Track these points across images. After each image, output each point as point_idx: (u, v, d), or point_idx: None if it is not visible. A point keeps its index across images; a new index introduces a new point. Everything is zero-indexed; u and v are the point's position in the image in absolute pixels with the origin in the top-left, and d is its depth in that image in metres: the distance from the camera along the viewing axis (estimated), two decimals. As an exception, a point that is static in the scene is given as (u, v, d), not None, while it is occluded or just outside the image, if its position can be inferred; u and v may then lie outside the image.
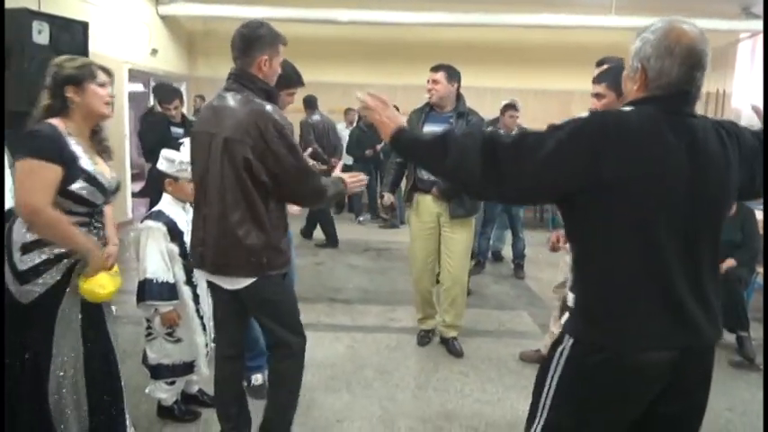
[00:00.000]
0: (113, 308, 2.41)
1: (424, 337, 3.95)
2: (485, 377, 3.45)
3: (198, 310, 2.72)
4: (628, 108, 1.46)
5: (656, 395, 1.47)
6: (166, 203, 2.64)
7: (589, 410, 1.49)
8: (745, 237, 4.07)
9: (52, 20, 4.28)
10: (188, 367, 2.75)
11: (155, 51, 8.09)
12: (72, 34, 4.43)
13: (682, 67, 1.41)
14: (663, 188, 1.39)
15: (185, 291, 2.66)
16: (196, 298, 2.71)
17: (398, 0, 8.63)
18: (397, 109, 1.78)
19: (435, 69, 3.78)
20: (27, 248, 2.06)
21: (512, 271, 5.85)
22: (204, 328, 2.75)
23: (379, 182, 9.05)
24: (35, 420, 2.10)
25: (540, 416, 1.53)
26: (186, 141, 2.59)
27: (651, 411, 1.50)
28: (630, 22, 8.32)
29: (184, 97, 7.31)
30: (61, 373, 2.11)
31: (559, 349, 1.51)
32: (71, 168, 2.03)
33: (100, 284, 2.13)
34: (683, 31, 1.42)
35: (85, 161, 2.09)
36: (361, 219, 8.56)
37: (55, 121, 2.06)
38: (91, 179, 2.08)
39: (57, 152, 2.00)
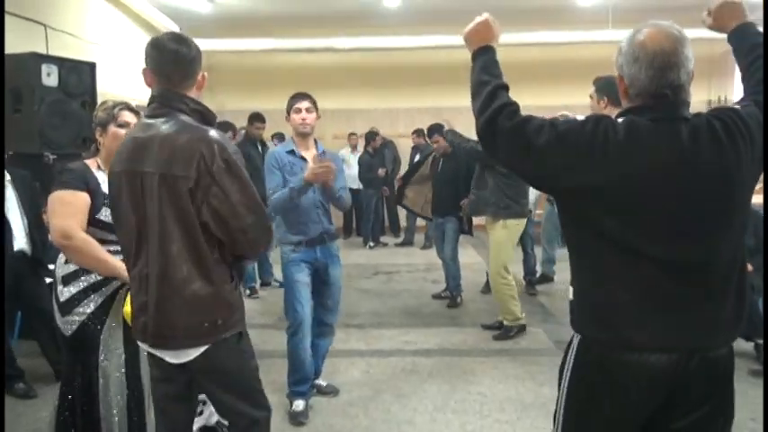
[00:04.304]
0: None
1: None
2: (503, 397, 3.42)
3: None
4: (620, 119, 1.48)
5: (663, 404, 1.45)
6: None
7: (592, 410, 1.50)
8: (758, 242, 4.04)
9: (61, 62, 4.37)
10: None
11: (160, 87, 8.22)
12: (80, 75, 4.51)
13: (649, 71, 1.42)
14: (641, 195, 1.39)
15: None
16: None
17: (395, 25, 8.77)
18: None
19: None
20: (66, 280, 2.21)
21: (523, 288, 5.83)
22: None
23: (384, 206, 9.11)
24: None
25: (558, 413, 1.56)
26: None
27: (663, 426, 1.48)
28: (619, 36, 8.42)
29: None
30: (112, 410, 2.22)
31: (570, 348, 1.53)
32: (97, 196, 2.18)
33: None
34: (649, 34, 1.44)
35: None
36: (371, 244, 8.58)
37: (88, 160, 2.30)
38: None
39: (82, 182, 2.18)
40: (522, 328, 4.53)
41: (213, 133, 1.76)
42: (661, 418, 1.48)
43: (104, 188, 2.16)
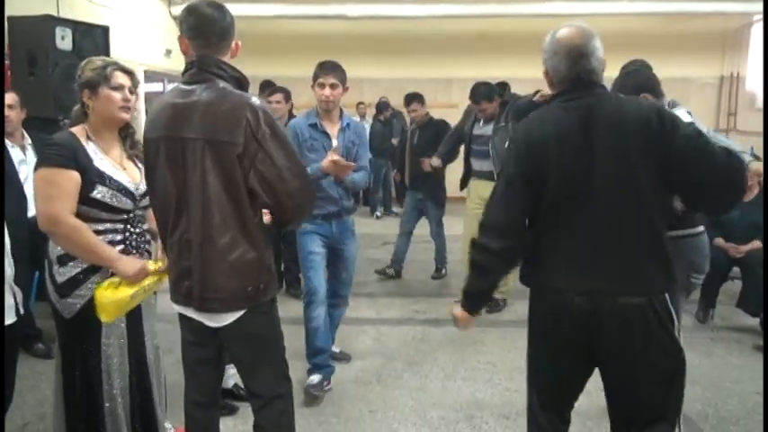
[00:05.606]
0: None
1: None
2: (512, 366, 3.50)
3: None
4: (541, 109, 1.85)
5: (587, 343, 1.74)
6: None
7: (537, 343, 1.89)
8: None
9: (75, 25, 4.34)
10: None
11: (169, 52, 8.15)
12: (94, 39, 4.48)
13: (566, 60, 1.74)
14: (556, 164, 1.69)
15: None
16: None
17: (408, -6, 8.63)
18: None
19: None
20: (63, 260, 2.04)
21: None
22: None
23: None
24: None
25: (528, 349, 1.94)
26: None
27: (597, 365, 1.80)
28: (642, 8, 8.30)
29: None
30: (115, 390, 2.13)
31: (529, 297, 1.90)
32: (88, 173, 1.98)
33: (115, 302, 1.99)
34: (562, 34, 1.77)
35: (106, 165, 2.04)
36: (378, 213, 8.62)
37: (76, 129, 2.05)
38: (113, 184, 2.03)
39: (71, 158, 1.95)
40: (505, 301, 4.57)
41: (255, 100, 1.79)
42: (594, 356, 1.77)
43: (97, 163, 2.02)
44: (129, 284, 2.02)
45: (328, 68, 3.02)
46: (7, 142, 3.35)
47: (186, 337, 2.01)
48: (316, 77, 3.03)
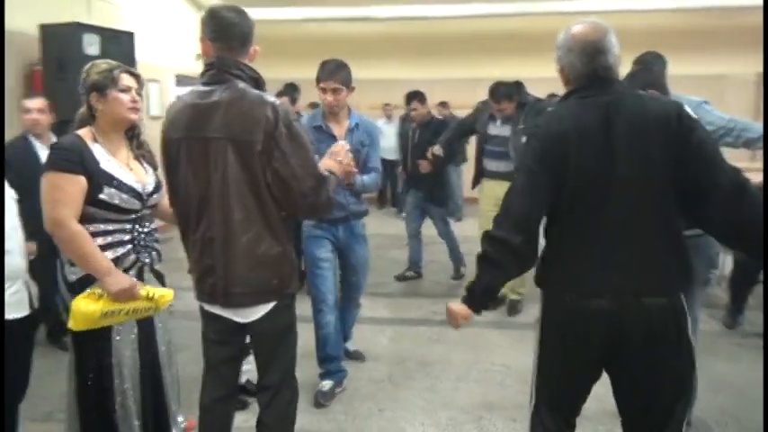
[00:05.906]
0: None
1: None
2: (526, 369, 3.40)
3: None
4: (558, 105, 1.80)
5: (608, 349, 1.69)
6: None
7: (549, 346, 1.83)
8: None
9: (101, 32, 4.51)
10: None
11: (199, 56, 8.32)
12: (120, 45, 4.63)
13: (582, 57, 1.70)
14: (574, 158, 1.64)
15: None
16: None
17: (434, -6, 8.63)
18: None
19: None
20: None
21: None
22: None
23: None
24: None
25: (535, 351, 1.90)
26: None
27: (609, 368, 1.76)
28: (668, 4, 8.10)
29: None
30: (126, 385, 2.16)
31: (542, 298, 1.85)
32: (96, 176, 2.00)
33: (84, 314, 1.95)
34: (577, 30, 1.73)
35: (113, 167, 2.07)
36: (404, 214, 8.61)
37: (82, 131, 2.08)
38: (121, 185, 2.06)
39: (78, 162, 1.98)
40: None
41: (275, 99, 1.84)
42: (610, 360, 1.72)
43: (104, 164, 2.04)
44: (111, 301, 2.01)
45: (329, 72, 2.86)
46: (36, 143, 3.54)
47: (209, 336, 2.06)
48: (318, 80, 2.89)
